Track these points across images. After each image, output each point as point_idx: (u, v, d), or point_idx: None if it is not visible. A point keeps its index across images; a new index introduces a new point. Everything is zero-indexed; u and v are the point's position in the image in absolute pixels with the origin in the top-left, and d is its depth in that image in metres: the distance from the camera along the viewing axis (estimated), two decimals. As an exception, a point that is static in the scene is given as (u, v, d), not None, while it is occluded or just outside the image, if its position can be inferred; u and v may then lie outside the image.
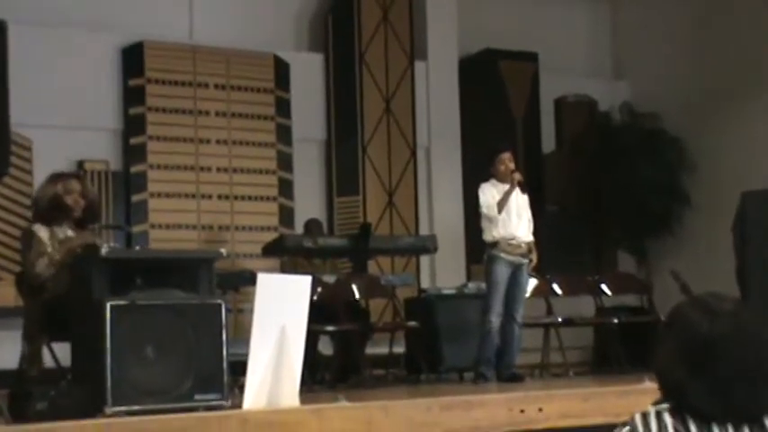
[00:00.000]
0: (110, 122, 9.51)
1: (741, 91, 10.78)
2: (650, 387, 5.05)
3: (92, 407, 4.50)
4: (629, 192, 11.14)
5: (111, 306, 4.61)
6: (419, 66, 10.91)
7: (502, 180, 7.39)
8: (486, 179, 7.50)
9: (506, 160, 7.43)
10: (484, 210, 7.31)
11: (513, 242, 7.29)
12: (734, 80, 10.88)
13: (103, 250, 4.96)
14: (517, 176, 7.35)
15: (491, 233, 7.31)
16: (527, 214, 7.45)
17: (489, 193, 7.34)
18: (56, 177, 5.96)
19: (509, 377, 7.07)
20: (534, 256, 7.39)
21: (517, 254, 7.28)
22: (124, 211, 9.39)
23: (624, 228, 11.42)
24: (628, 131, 11.52)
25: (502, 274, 7.20)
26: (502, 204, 7.25)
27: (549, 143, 11.84)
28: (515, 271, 7.27)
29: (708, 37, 11.24)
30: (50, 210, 5.79)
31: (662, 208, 11.19)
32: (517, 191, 7.35)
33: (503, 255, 7.24)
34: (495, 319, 7.17)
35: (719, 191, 9.96)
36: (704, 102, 11.16)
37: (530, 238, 7.39)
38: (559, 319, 8.43)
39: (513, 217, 7.32)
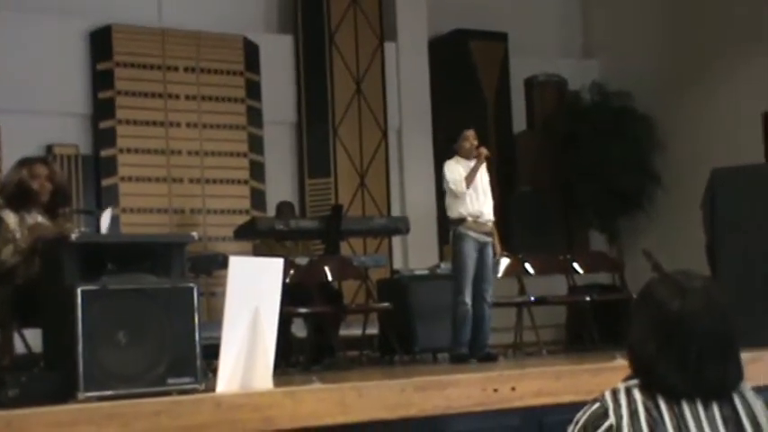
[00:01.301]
0: (79, 107, 9.45)
1: (710, 69, 10.84)
2: (622, 365, 5.08)
3: (64, 392, 4.47)
4: (599, 171, 11.20)
5: (83, 291, 4.57)
6: (389, 47, 10.90)
7: (466, 156, 7.36)
8: (449, 156, 7.49)
9: (470, 137, 7.41)
10: (451, 186, 7.26)
11: (480, 219, 7.27)
12: (703, 58, 10.94)
13: (73, 235, 4.92)
14: (484, 151, 7.33)
15: (457, 210, 7.26)
16: (489, 193, 7.44)
17: (456, 170, 7.30)
18: (22, 162, 5.91)
19: (483, 357, 7.09)
20: (497, 241, 7.39)
21: (482, 231, 7.27)
22: (95, 195, 9.34)
23: (595, 207, 11.47)
24: (598, 111, 11.56)
25: (470, 252, 7.18)
26: (469, 180, 7.23)
27: (519, 123, 11.87)
28: (482, 249, 7.25)
29: (677, 16, 11.29)
30: (17, 195, 5.74)
31: (633, 187, 11.25)
32: (482, 169, 7.34)
33: (470, 232, 7.22)
34: (469, 300, 7.17)
35: (689, 169, 10.02)
36: (674, 80, 11.22)
37: (493, 217, 7.40)
38: (532, 299, 8.47)
39: (479, 193, 7.30)
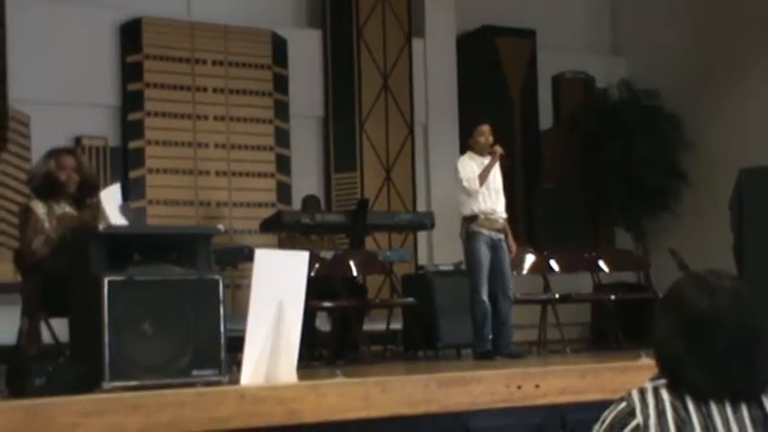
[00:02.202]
0: (108, 98, 9.49)
1: (738, 68, 10.77)
2: (647, 364, 5.07)
3: (90, 382, 4.51)
4: (626, 169, 11.14)
5: (109, 282, 4.61)
6: (417, 43, 10.89)
7: (480, 153, 7.31)
8: (463, 152, 7.45)
9: (486, 132, 7.34)
10: (465, 183, 7.19)
11: (493, 216, 7.23)
12: (731, 57, 10.86)
13: (101, 226, 4.95)
14: (498, 149, 7.28)
15: (470, 207, 7.20)
16: (502, 191, 7.38)
17: (468, 167, 7.25)
18: (50, 154, 5.96)
19: (509, 354, 7.06)
20: (512, 240, 7.36)
21: (495, 229, 7.23)
22: (122, 187, 9.36)
23: (621, 205, 11.42)
24: (625, 108, 11.50)
25: (484, 250, 7.13)
26: (483, 177, 7.17)
27: (546, 120, 11.83)
28: (495, 247, 7.21)
29: (705, 14, 11.21)
30: (45, 186, 5.79)
31: (659, 185, 11.19)
32: (496, 167, 7.30)
33: (483, 230, 7.18)
34: (486, 297, 7.13)
35: (717, 168, 9.97)
36: (702, 79, 11.14)
37: (505, 214, 7.36)
38: (557, 296, 8.43)
39: (491, 191, 7.25)
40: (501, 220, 7.29)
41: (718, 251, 7.01)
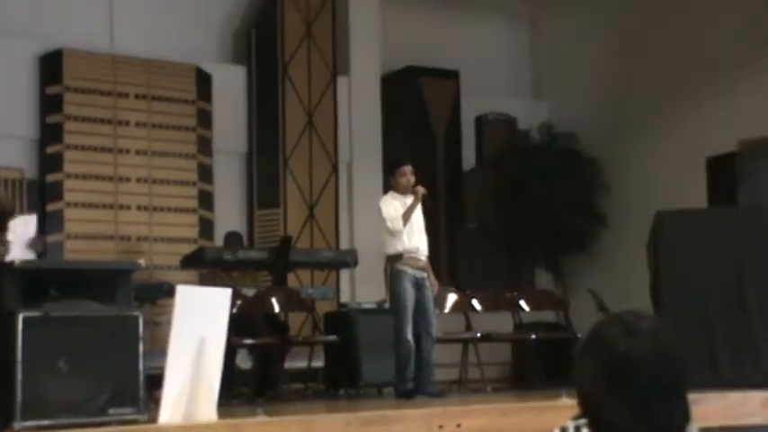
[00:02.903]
0: (25, 130, 9.33)
1: (655, 114, 11.02)
2: (567, 403, 5.11)
3: (0, 423, 4.38)
4: (546, 210, 11.30)
5: (24, 318, 4.50)
6: (342, 81, 10.93)
7: (402, 192, 7.34)
8: (385, 191, 7.47)
9: (408, 173, 7.37)
10: (389, 224, 7.20)
11: (416, 255, 7.26)
12: (648, 103, 11.12)
13: (16, 260, 4.84)
14: (421, 189, 7.31)
15: (394, 246, 7.22)
16: (424, 229, 7.41)
17: (392, 207, 7.27)
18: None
19: (430, 393, 7.06)
20: (433, 278, 7.39)
21: (419, 267, 7.27)
22: (39, 220, 9.19)
23: (542, 245, 11.56)
24: (546, 151, 11.69)
25: (409, 289, 7.16)
26: (407, 217, 7.20)
27: (469, 160, 11.95)
28: (420, 285, 7.23)
29: (624, 61, 11.47)
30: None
31: (578, 226, 11.36)
32: (418, 206, 7.33)
33: (407, 269, 7.20)
34: (411, 337, 7.14)
35: (634, 210, 10.14)
36: (620, 124, 11.38)
37: (427, 252, 7.39)
38: (478, 335, 8.48)
39: (414, 229, 7.29)
40: (424, 258, 7.32)
41: (636, 291, 7.12)
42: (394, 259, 7.23)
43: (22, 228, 5.49)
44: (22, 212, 8.85)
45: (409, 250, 7.22)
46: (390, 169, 7.53)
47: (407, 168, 7.39)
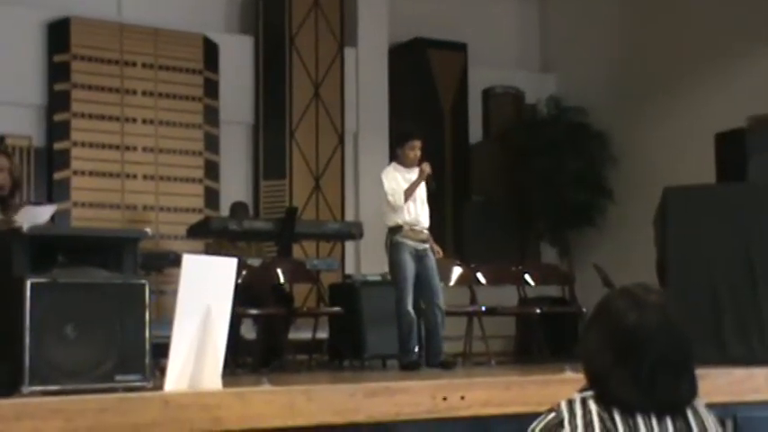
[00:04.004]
0: (33, 98, 9.33)
1: (664, 88, 10.97)
2: (571, 377, 5.12)
3: (8, 386, 4.41)
4: (553, 184, 11.28)
5: (32, 284, 4.51)
6: (349, 52, 10.90)
7: (407, 166, 7.25)
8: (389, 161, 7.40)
9: (416, 147, 7.25)
10: (390, 198, 7.12)
11: (417, 227, 7.22)
12: (657, 77, 11.07)
13: (25, 227, 4.85)
14: (427, 169, 7.21)
15: (394, 218, 7.16)
16: (426, 203, 7.31)
17: (394, 180, 7.18)
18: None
19: (439, 364, 7.06)
20: (438, 247, 7.35)
21: (420, 239, 7.22)
22: (46, 188, 9.22)
23: (548, 219, 11.55)
24: (553, 125, 11.65)
25: (409, 261, 7.10)
26: (408, 194, 7.12)
27: (476, 134, 11.92)
28: (420, 257, 7.19)
29: (633, 34, 11.41)
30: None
31: (585, 201, 11.34)
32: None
33: (407, 241, 7.15)
34: (411, 308, 7.12)
35: (641, 185, 10.13)
36: (629, 97, 11.34)
37: (428, 224, 7.36)
38: (483, 309, 8.48)
39: (417, 202, 7.21)
40: (425, 231, 7.28)
41: (642, 267, 7.10)
42: (394, 231, 7.18)
43: (36, 216, 5.44)
44: (29, 182, 8.88)
45: (409, 222, 7.16)
46: (399, 140, 7.45)
47: (417, 143, 7.30)
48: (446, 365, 7.04)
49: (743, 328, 6.66)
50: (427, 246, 7.24)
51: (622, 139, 11.33)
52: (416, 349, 7.17)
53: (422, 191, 7.30)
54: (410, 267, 7.11)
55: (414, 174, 7.24)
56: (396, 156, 7.39)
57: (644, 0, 11.37)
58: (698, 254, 6.88)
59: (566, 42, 12.27)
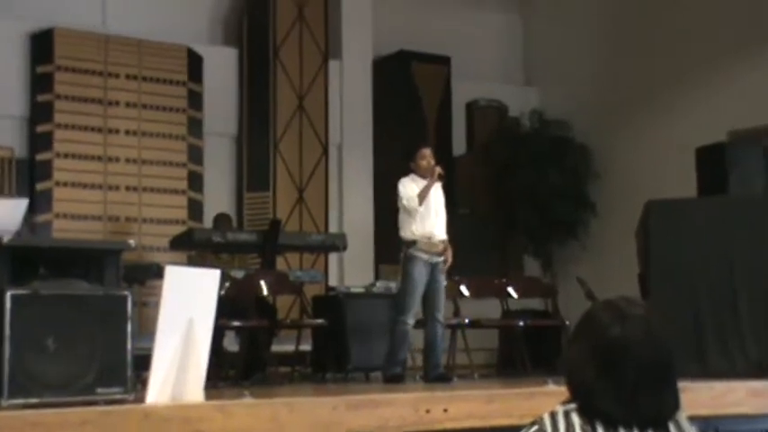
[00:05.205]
0: (16, 109, 9.30)
1: (646, 103, 11.03)
2: (554, 390, 5.12)
3: (-11, 399, 4.38)
4: (536, 197, 11.30)
5: (13, 296, 4.48)
6: (333, 64, 10.91)
7: (422, 176, 7.29)
8: (405, 174, 7.44)
9: (428, 155, 7.34)
10: (404, 202, 7.18)
11: (431, 240, 7.25)
12: (639, 91, 11.13)
13: (5, 237, 4.82)
14: (438, 169, 7.29)
15: (410, 229, 7.19)
16: (443, 212, 7.42)
17: (409, 187, 7.24)
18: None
19: (436, 377, 7.06)
20: (449, 256, 7.35)
21: (434, 252, 7.22)
22: (28, 199, 9.16)
23: (531, 233, 11.57)
24: (536, 138, 11.69)
25: (420, 274, 7.13)
26: (422, 196, 7.16)
27: (459, 146, 11.95)
28: (433, 270, 7.20)
29: (616, 49, 11.47)
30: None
31: (568, 214, 11.37)
32: (437, 187, 7.33)
33: (421, 254, 7.18)
34: (412, 320, 7.13)
35: (624, 199, 10.16)
36: (611, 112, 11.39)
37: (445, 236, 7.36)
38: (466, 321, 8.49)
39: (431, 213, 7.24)
40: (440, 244, 7.26)
41: (624, 280, 7.13)
42: (408, 244, 7.21)
43: (7, 213, 5.38)
44: (11, 192, 8.85)
45: (424, 235, 7.19)
46: (410, 154, 7.48)
47: (427, 151, 7.38)
48: (443, 378, 7.05)
49: (724, 342, 6.69)
50: (441, 259, 7.23)
51: (605, 153, 11.38)
52: (404, 362, 7.16)
53: (438, 201, 7.33)
54: (420, 281, 7.12)
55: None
56: (411, 169, 7.40)
57: (625, 15, 11.43)
58: (679, 267, 6.91)
59: (549, 56, 12.32)
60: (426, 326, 7.18)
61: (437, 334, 7.17)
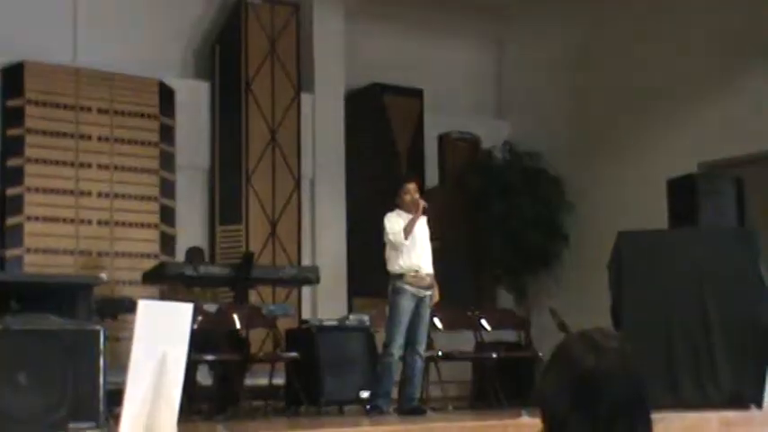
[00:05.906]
0: (-15, 143, 9.24)
1: (617, 134, 11.13)
2: (527, 422, 5.13)
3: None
4: (509, 229, 11.34)
5: (-16, 331, 4.46)
6: (306, 97, 10.93)
7: (407, 210, 7.34)
8: (379, 207, 7.46)
9: (411, 190, 7.40)
10: (390, 236, 7.23)
11: (418, 274, 7.27)
12: (611, 123, 11.23)
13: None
14: (421, 202, 7.33)
15: (397, 263, 7.24)
16: (428, 245, 7.44)
17: (395, 222, 7.29)
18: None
19: (411, 410, 7.05)
20: (436, 291, 7.38)
21: (421, 286, 7.26)
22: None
23: (504, 264, 11.60)
24: (509, 170, 11.75)
25: (406, 306, 7.16)
26: (408, 230, 7.21)
27: (432, 178, 11.98)
28: (418, 303, 7.24)
29: (587, 81, 11.58)
30: None
31: (541, 246, 11.41)
32: (422, 221, 7.36)
33: (407, 287, 7.21)
34: (397, 352, 7.14)
35: (596, 230, 10.22)
36: (583, 143, 11.47)
37: (431, 269, 7.39)
38: (440, 353, 8.48)
39: (417, 247, 7.29)
40: (427, 278, 7.30)
41: (597, 310, 7.16)
42: (396, 278, 7.24)
43: None
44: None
45: (410, 268, 7.23)
46: (396, 190, 7.51)
47: (411, 186, 7.43)
48: (417, 411, 7.04)
49: (696, 372, 6.72)
50: (429, 293, 7.27)
51: (577, 185, 11.45)
52: (388, 394, 7.14)
53: (423, 234, 7.36)
54: (406, 314, 7.16)
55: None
56: (396, 204, 7.44)
57: (596, 49, 11.55)
58: (651, 297, 6.95)
59: (520, 89, 12.41)
60: (406, 358, 7.18)
61: (416, 367, 7.19)
